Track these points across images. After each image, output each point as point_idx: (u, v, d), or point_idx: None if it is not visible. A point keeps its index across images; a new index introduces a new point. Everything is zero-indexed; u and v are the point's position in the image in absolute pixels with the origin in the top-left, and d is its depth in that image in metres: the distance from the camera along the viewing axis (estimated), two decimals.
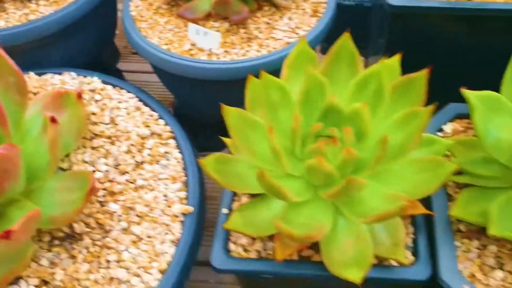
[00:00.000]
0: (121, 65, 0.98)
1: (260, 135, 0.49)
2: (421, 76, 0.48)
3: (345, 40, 0.48)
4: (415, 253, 0.52)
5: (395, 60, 0.52)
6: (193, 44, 0.63)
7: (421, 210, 0.52)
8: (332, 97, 0.46)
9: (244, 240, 0.53)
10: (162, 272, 0.50)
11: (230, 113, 0.48)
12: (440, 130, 0.60)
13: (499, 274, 0.48)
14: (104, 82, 0.66)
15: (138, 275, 0.49)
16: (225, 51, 0.62)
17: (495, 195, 0.49)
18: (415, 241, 0.53)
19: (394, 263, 0.51)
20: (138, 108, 0.63)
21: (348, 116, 0.48)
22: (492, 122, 0.48)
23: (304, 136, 0.48)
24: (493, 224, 0.45)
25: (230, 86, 0.63)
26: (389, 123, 0.49)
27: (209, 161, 0.49)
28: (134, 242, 0.52)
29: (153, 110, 0.62)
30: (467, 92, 0.48)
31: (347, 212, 0.48)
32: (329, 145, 0.46)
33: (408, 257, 0.52)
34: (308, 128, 0.48)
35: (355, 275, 0.46)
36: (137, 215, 0.53)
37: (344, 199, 0.48)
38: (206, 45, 0.61)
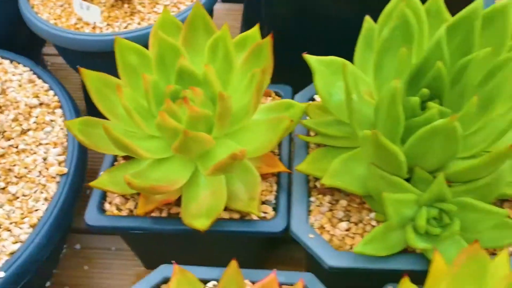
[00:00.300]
0: (46, 49, 1.01)
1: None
2: (266, 42, 0.51)
3: (197, 9, 0.52)
4: (276, 208, 0.56)
5: (255, 30, 0.56)
6: (79, 19, 0.67)
7: (280, 168, 0.57)
8: (183, 60, 0.50)
9: (117, 200, 0.57)
10: (32, 226, 0.53)
11: (89, 76, 0.51)
12: (312, 99, 0.64)
13: (343, 225, 0.53)
14: (2, 57, 0.69)
15: (9, 230, 0.52)
16: (108, 25, 0.66)
17: (341, 153, 0.52)
18: (277, 197, 0.57)
19: (255, 217, 0.55)
20: (31, 81, 0.66)
21: (202, 79, 0.51)
22: (335, 85, 0.52)
23: (160, 96, 0.51)
24: (327, 175, 0.49)
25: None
26: (241, 86, 0.52)
27: (75, 123, 0.52)
28: (9, 200, 0.55)
29: (45, 82, 0.65)
30: (308, 57, 0.52)
31: (201, 167, 0.52)
32: (180, 104, 0.50)
33: (269, 212, 0.56)
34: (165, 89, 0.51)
35: (202, 224, 0.50)
36: (15, 176, 0.56)
37: (201, 157, 0.52)
38: (90, 19, 0.65)
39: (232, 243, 0.59)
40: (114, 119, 0.52)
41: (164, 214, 0.55)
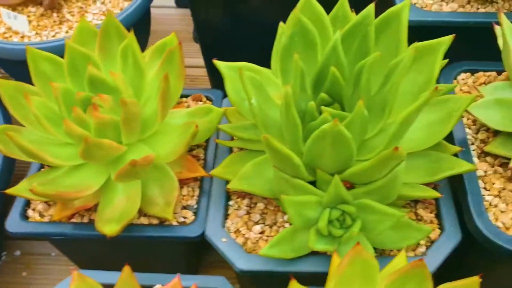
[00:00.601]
0: None
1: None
2: (175, 49, 0.52)
3: (109, 17, 0.53)
4: (196, 213, 0.56)
5: (172, 36, 0.56)
6: (8, 28, 0.68)
7: (201, 172, 0.57)
8: (91, 68, 0.51)
9: (40, 206, 0.58)
10: None
11: (3, 84, 0.52)
12: None
13: (257, 228, 0.53)
14: None
15: None
16: (36, 33, 0.67)
17: (257, 157, 0.53)
18: (198, 202, 0.57)
19: (174, 222, 0.56)
20: None
21: (113, 86, 0.52)
22: None
23: (72, 103, 0.52)
24: (235, 179, 0.50)
25: None
26: (153, 92, 0.53)
27: None
28: None
29: None
30: (218, 63, 0.53)
31: (113, 173, 0.52)
32: (90, 111, 0.51)
33: (189, 217, 0.56)
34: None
35: (111, 229, 0.50)
36: None
37: (114, 163, 0.53)
38: (19, 28, 0.66)
39: (159, 247, 0.60)
40: (30, 126, 0.53)
41: (85, 220, 0.56)
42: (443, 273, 0.49)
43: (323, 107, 0.46)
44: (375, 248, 0.50)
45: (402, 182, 0.46)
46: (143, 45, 0.66)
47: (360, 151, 0.49)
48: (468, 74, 0.65)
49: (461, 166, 0.50)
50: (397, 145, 0.47)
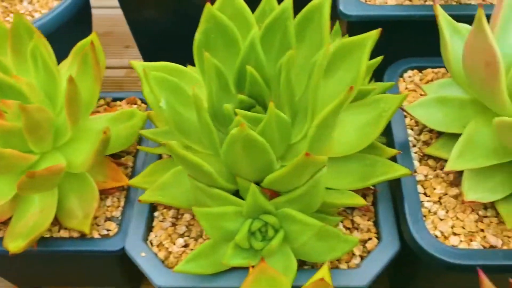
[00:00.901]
0: None
1: None
2: (88, 51, 0.48)
3: (18, 18, 0.49)
4: (120, 225, 0.53)
5: (91, 37, 0.53)
6: None
7: (125, 182, 0.54)
8: None
9: None
10: None
11: None
12: None
13: (180, 241, 0.49)
14: None
15: None
16: None
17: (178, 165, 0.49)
18: (123, 213, 0.53)
19: (97, 236, 0.52)
20: None
21: (20, 91, 0.48)
22: None
23: None
24: (149, 190, 0.47)
25: None
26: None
27: None
28: None
29: None
30: (134, 64, 0.49)
31: None
32: None
33: (112, 229, 0.52)
34: None
35: (16, 245, 0.47)
36: None
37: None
38: None
39: (91, 261, 0.56)
40: None
41: (1, 234, 0.52)
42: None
43: (238, 110, 0.42)
44: (305, 261, 0.46)
45: (325, 188, 0.43)
46: None
47: (285, 157, 0.46)
48: (416, 71, 0.61)
49: (396, 171, 0.47)
50: (321, 149, 0.44)
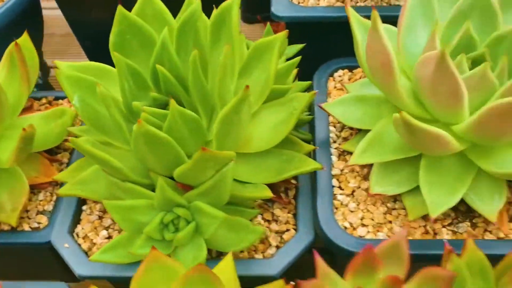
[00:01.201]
0: None
1: None
2: (14, 51, 0.50)
3: None
4: (50, 218, 0.54)
5: (23, 38, 0.55)
6: None
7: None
8: None
9: None
10: None
11: None
12: None
13: (104, 232, 0.52)
14: None
15: None
16: None
17: None
18: (54, 207, 0.55)
19: (27, 228, 0.54)
20: None
21: None
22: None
23: None
24: (69, 183, 0.49)
25: None
26: None
27: None
28: None
29: None
30: (59, 63, 0.50)
31: None
32: None
33: (43, 222, 0.54)
34: None
35: None
36: None
37: None
38: None
39: (22, 254, 0.58)
40: None
41: None
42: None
43: (145, 107, 0.44)
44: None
45: (241, 182, 0.45)
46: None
47: None
48: (346, 70, 0.64)
49: (307, 165, 0.49)
50: (234, 145, 0.46)
